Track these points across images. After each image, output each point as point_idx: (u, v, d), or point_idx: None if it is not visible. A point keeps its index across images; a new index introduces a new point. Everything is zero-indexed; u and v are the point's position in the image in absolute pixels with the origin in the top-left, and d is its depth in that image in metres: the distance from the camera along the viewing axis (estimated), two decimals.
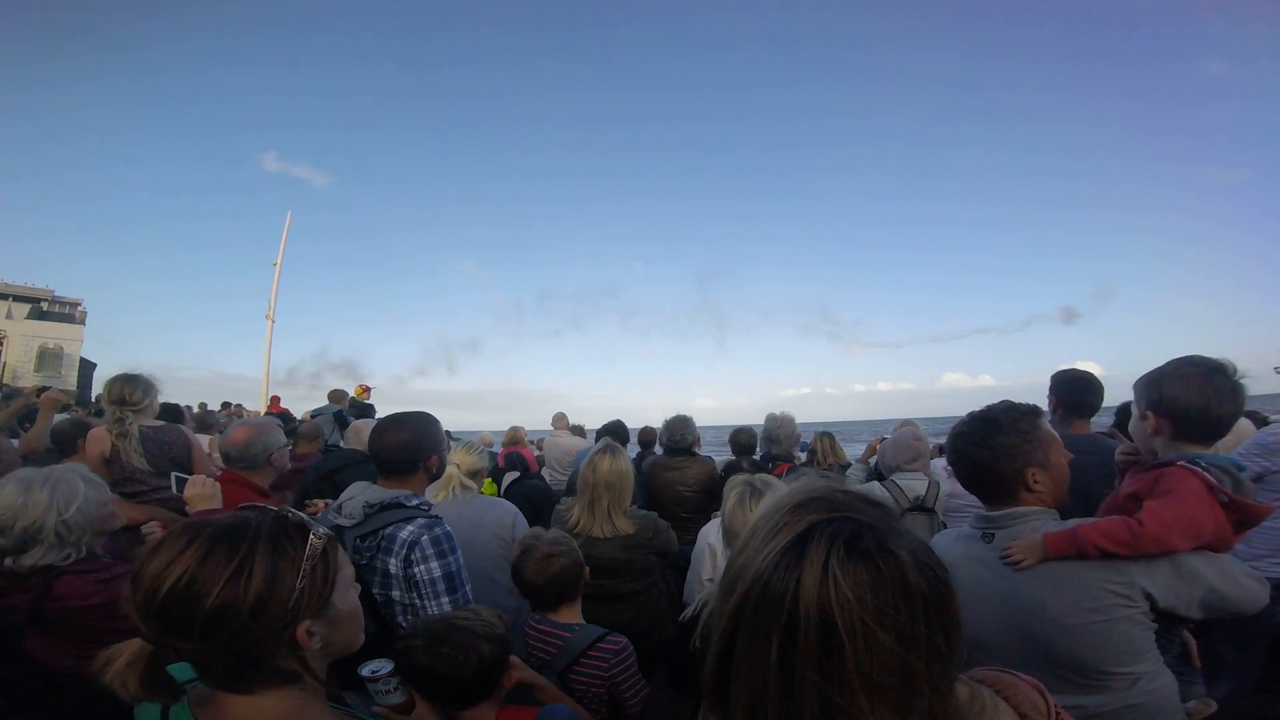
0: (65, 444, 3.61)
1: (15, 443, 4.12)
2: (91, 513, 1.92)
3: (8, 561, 1.81)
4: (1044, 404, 2.81)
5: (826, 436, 4.50)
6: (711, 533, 2.84)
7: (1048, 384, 2.84)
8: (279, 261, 12.74)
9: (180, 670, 0.92)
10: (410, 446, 2.06)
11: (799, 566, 0.65)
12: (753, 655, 0.66)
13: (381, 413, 6.84)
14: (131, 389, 3.10)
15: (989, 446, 1.50)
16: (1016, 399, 1.60)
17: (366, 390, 7.35)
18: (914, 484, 2.95)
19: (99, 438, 3.05)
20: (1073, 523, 1.47)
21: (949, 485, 3.10)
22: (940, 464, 3.52)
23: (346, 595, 1.00)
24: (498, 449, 6.32)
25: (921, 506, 2.91)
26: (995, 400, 3.69)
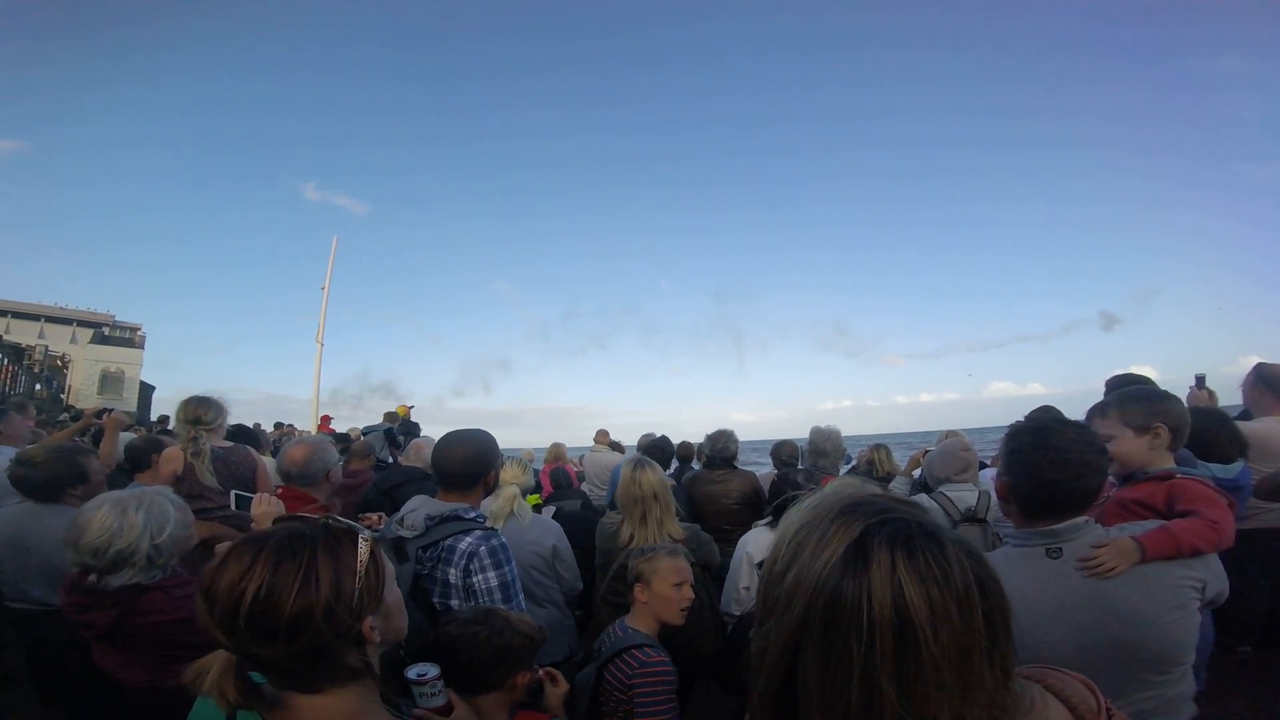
0: (139, 460, 3.73)
1: None
2: (179, 535, 1.97)
3: (91, 579, 1.85)
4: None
5: (883, 448, 4.47)
6: (750, 542, 2.85)
7: (1098, 390, 2.79)
8: (326, 286, 13.17)
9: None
10: (473, 461, 2.15)
11: (866, 571, 0.65)
12: (829, 667, 0.66)
13: (425, 432, 7.05)
14: (204, 410, 3.26)
15: (1093, 465, 1.45)
16: (1068, 407, 1.61)
17: (408, 409, 7.68)
18: (964, 495, 2.89)
19: (173, 456, 3.20)
20: (1140, 526, 1.51)
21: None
22: (989, 474, 3.44)
23: (392, 589, 1.09)
24: (539, 465, 6.42)
25: (973, 518, 2.85)
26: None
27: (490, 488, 2.26)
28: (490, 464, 2.20)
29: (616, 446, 7.39)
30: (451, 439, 2.20)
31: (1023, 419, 1.58)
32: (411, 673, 1.37)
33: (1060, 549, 1.45)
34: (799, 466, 4.38)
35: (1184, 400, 2.00)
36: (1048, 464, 1.43)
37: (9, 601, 2.58)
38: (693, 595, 2.23)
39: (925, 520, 0.71)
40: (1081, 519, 1.47)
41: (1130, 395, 1.94)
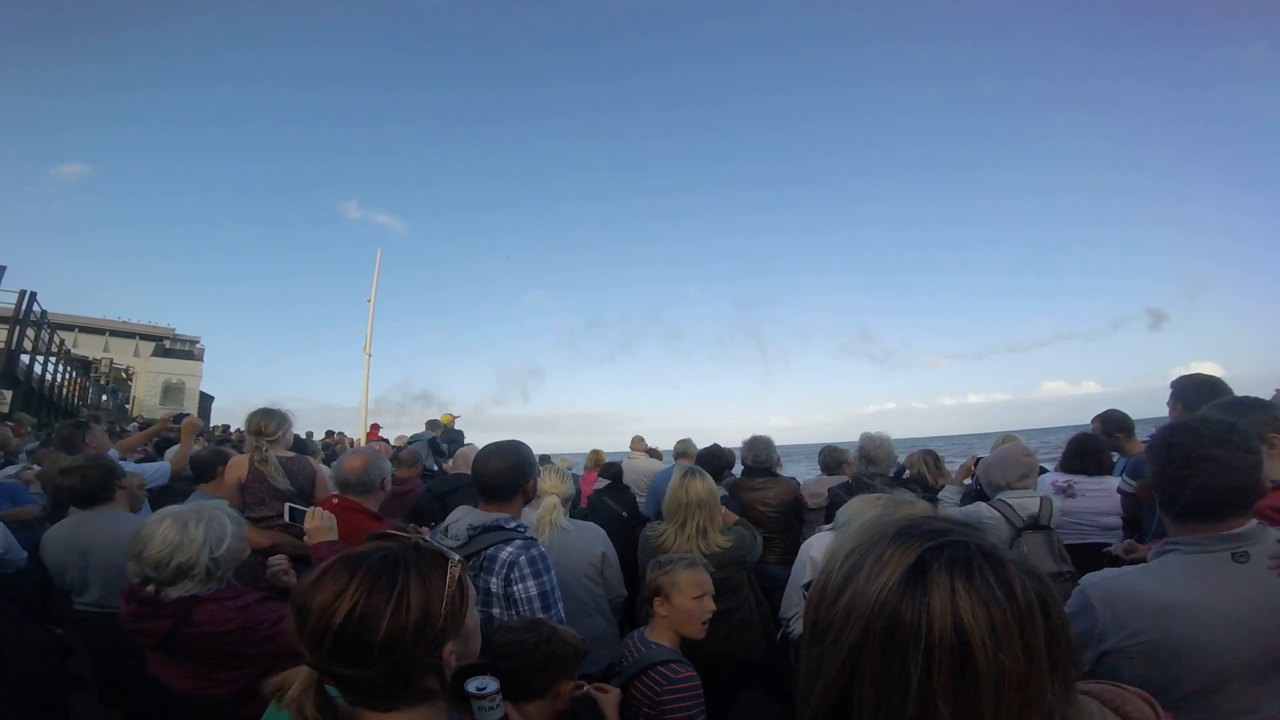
0: (204, 471, 3.80)
1: (148, 465, 4.54)
2: (236, 548, 2.03)
3: (150, 589, 1.89)
4: (1165, 409, 2.66)
5: (930, 455, 4.21)
6: (815, 545, 2.80)
7: (1157, 388, 2.68)
8: (372, 298, 13.50)
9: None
10: (511, 473, 2.19)
11: (925, 594, 0.65)
12: (885, 689, 0.66)
13: (468, 439, 7.18)
14: (267, 421, 3.37)
15: (1260, 458, 1.42)
16: (1127, 405, 1.56)
17: (453, 418, 7.84)
18: (1026, 502, 2.76)
19: (238, 464, 3.32)
20: None
21: (1060, 502, 2.92)
22: (1048, 479, 3.31)
23: (472, 612, 1.08)
24: (577, 472, 6.45)
25: (1037, 525, 2.74)
26: (1101, 409, 3.49)
27: (530, 497, 2.29)
28: (528, 474, 2.24)
29: (654, 453, 7.36)
30: (489, 451, 2.25)
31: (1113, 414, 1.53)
32: (471, 686, 1.37)
33: (1246, 553, 1.39)
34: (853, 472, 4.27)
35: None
36: (1236, 460, 1.39)
37: (75, 605, 2.69)
38: (714, 608, 2.20)
39: (984, 542, 0.71)
40: (1255, 521, 1.43)
41: (1240, 405, 1.86)
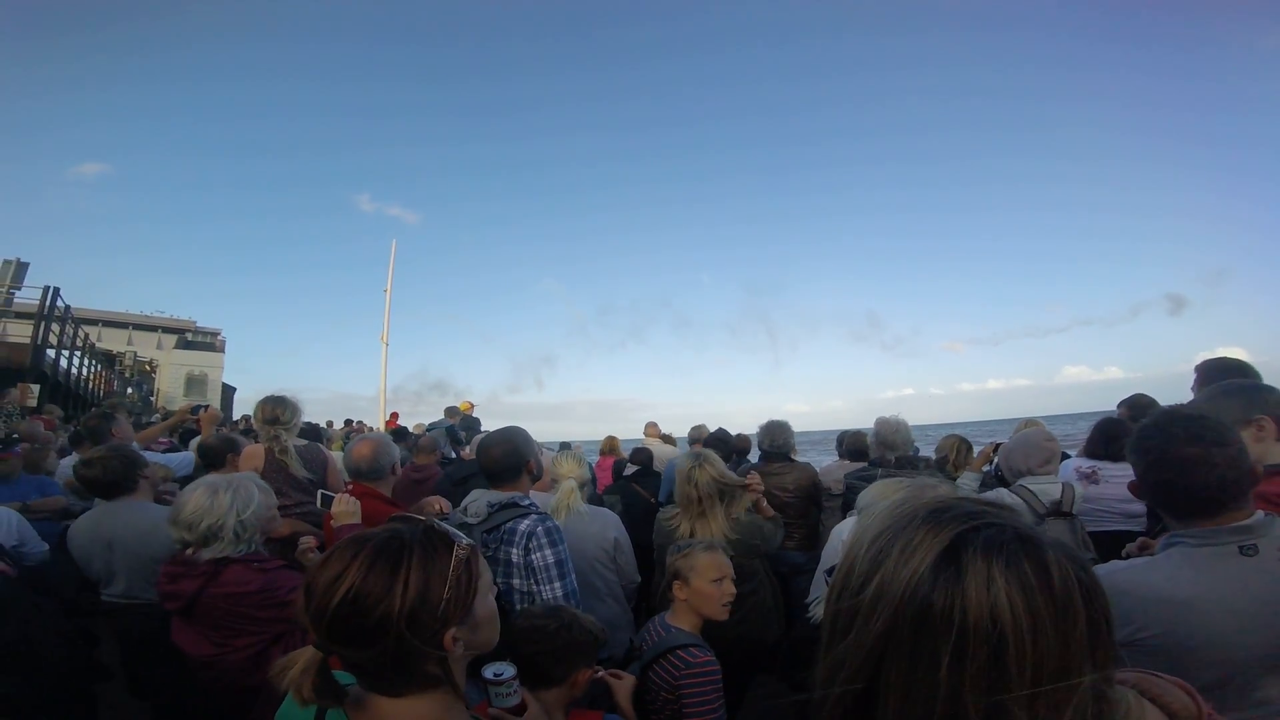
0: (214, 459, 3.76)
1: (173, 456, 4.60)
2: (262, 514, 2.20)
3: (188, 552, 2.09)
4: (1189, 396, 2.60)
5: (964, 444, 4.03)
6: (847, 529, 2.79)
7: (1182, 374, 2.61)
8: (389, 289, 13.58)
9: (339, 675, 1.00)
10: (511, 455, 2.32)
11: (959, 579, 0.62)
12: (915, 678, 0.63)
13: (486, 426, 7.24)
14: (280, 409, 3.39)
15: (1242, 446, 1.39)
16: (1151, 391, 1.49)
17: (471, 406, 7.93)
18: (1049, 488, 2.72)
19: (254, 454, 3.33)
20: None
21: (1084, 488, 2.88)
22: (1071, 465, 3.25)
23: (486, 600, 1.05)
24: (591, 459, 6.47)
25: (1059, 512, 2.70)
26: (1124, 395, 3.41)
27: (534, 474, 2.41)
28: (527, 454, 2.35)
29: (667, 439, 7.36)
30: (489, 440, 2.40)
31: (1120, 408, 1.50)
32: (488, 672, 1.38)
33: (1255, 545, 1.35)
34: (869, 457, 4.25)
35: None
36: (1220, 453, 1.36)
37: (102, 596, 2.73)
38: (734, 591, 2.22)
39: (1021, 525, 0.67)
40: (1261, 512, 1.38)
41: (1225, 390, 1.83)
